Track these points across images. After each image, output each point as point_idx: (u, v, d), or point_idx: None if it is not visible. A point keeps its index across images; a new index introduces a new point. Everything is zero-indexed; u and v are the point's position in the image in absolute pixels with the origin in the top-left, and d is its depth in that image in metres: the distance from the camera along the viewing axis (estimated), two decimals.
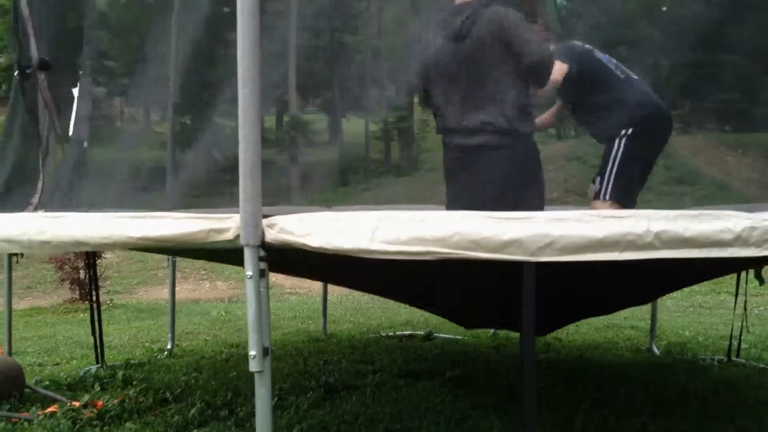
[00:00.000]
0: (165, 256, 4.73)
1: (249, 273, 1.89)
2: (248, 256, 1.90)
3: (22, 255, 3.29)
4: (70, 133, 3.32)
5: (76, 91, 3.28)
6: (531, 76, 2.79)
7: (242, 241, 1.90)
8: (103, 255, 6.97)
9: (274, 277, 9.66)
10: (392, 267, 1.85)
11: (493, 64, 2.73)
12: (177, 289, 4.91)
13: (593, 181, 3.45)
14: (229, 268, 10.39)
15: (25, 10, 3.30)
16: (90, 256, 4.21)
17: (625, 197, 3.35)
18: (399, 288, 3.68)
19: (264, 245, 1.92)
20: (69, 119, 3.42)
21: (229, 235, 1.94)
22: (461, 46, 2.76)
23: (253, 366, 1.88)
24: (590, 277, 2.46)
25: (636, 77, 3.48)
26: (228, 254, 2.82)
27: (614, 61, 3.49)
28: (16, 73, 3.35)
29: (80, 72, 3.38)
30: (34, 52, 3.19)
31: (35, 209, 3.10)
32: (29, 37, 3.22)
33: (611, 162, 3.36)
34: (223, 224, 1.95)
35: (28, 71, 3.21)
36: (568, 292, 2.81)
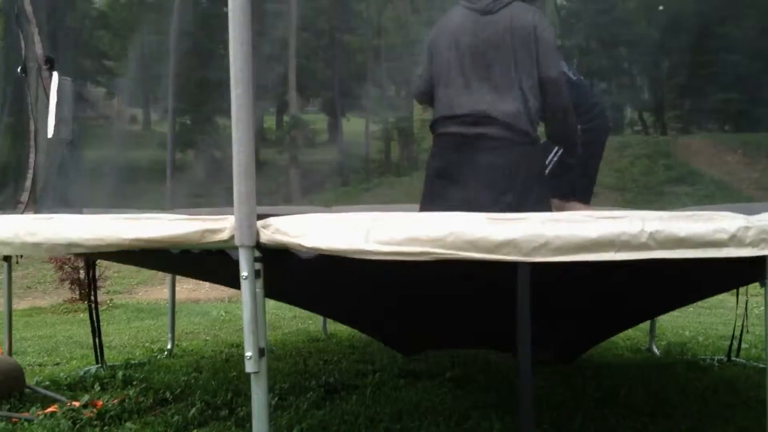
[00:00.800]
0: None
1: (244, 274, 1.89)
2: (243, 257, 1.90)
3: (21, 256, 3.29)
4: (50, 134, 3.31)
5: (53, 91, 3.27)
6: (542, 90, 2.76)
7: (237, 242, 1.90)
8: None
9: None
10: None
11: (510, 58, 2.70)
12: (177, 289, 4.91)
13: None
14: None
15: (28, 8, 3.30)
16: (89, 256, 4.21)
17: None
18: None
19: (259, 246, 1.92)
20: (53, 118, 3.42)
21: (224, 236, 1.93)
22: (486, 22, 2.74)
23: (250, 367, 1.88)
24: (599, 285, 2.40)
25: (583, 79, 3.70)
26: (220, 270, 2.79)
27: (566, 64, 3.65)
28: (20, 70, 3.34)
29: (55, 72, 3.36)
30: (39, 51, 3.18)
31: (24, 209, 3.10)
32: (33, 36, 3.22)
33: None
34: (217, 225, 1.95)
35: (27, 69, 3.21)
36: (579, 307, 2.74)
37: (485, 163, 2.71)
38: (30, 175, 3.21)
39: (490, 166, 2.70)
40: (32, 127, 3.29)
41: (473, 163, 2.74)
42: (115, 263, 10.37)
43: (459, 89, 2.79)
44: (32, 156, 3.27)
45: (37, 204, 3.18)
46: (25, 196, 3.24)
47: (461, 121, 2.77)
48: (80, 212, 2.85)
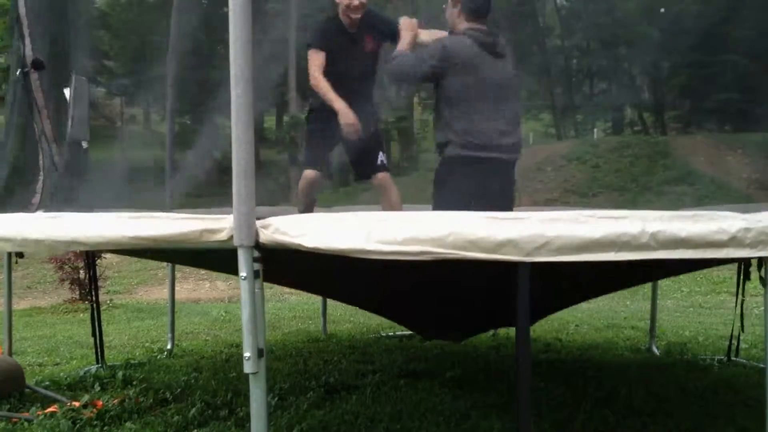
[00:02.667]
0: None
1: (243, 274, 1.88)
2: (242, 257, 1.89)
3: (21, 255, 3.28)
4: (68, 134, 3.31)
5: (67, 92, 3.27)
6: None
7: (236, 242, 1.89)
8: (102, 255, 6.97)
9: None
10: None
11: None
12: (177, 289, 4.92)
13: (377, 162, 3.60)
14: None
15: (21, 9, 3.31)
16: (90, 256, 4.21)
17: None
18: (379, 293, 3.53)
19: (258, 246, 1.91)
20: (64, 119, 3.42)
21: (222, 236, 1.93)
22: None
23: (248, 367, 1.88)
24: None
25: None
26: (223, 261, 2.82)
27: None
28: (18, 73, 3.35)
29: (72, 72, 3.38)
30: (29, 52, 3.19)
31: (36, 209, 3.11)
32: (24, 37, 3.23)
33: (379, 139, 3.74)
34: (216, 225, 1.94)
35: (25, 71, 3.22)
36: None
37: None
38: (41, 177, 3.23)
39: None
40: (42, 129, 3.30)
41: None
42: (115, 263, 10.39)
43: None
44: (41, 157, 3.28)
45: (47, 204, 3.19)
46: (37, 198, 3.26)
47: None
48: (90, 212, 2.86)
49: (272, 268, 1.98)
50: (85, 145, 3.62)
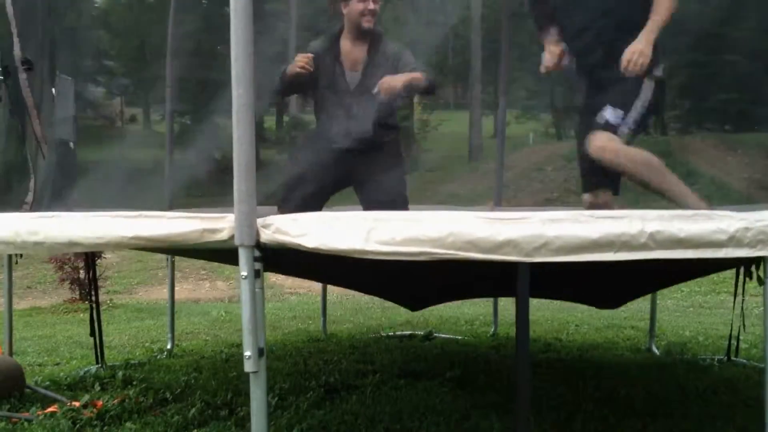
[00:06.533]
0: (165, 256, 4.73)
1: (244, 273, 1.88)
2: (243, 256, 1.89)
3: (20, 255, 3.29)
4: (54, 134, 3.31)
5: (54, 91, 3.29)
6: None
7: (237, 242, 1.89)
8: (103, 255, 6.96)
9: (274, 278, 9.65)
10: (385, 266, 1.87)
11: None
12: (177, 289, 4.91)
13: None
14: (229, 268, 10.39)
15: (9, 8, 3.30)
16: (90, 255, 4.21)
17: None
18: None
19: (259, 245, 1.91)
20: (50, 119, 3.42)
21: (223, 236, 1.93)
22: None
23: (249, 366, 1.88)
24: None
25: None
26: (228, 255, 2.81)
27: None
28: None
29: (58, 72, 3.38)
30: (17, 51, 3.19)
31: (30, 209, 3.11)
32: (13, 36, 3.23)
33: None
34: (217, 224, 1.94)
35: (10, 70, 3.22)
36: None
37: None
38: (33, 176, 3.22)
39: None
40: (29, 128, 3.30)
41: None
42: (115, 263, 10.39)
43: None
44: (30, 156, 3.28)
45: (37, 203, 3.19)
46: (30, 197, 3.26)
47: None
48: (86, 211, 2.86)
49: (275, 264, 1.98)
50: (72, 145, 3.62)
